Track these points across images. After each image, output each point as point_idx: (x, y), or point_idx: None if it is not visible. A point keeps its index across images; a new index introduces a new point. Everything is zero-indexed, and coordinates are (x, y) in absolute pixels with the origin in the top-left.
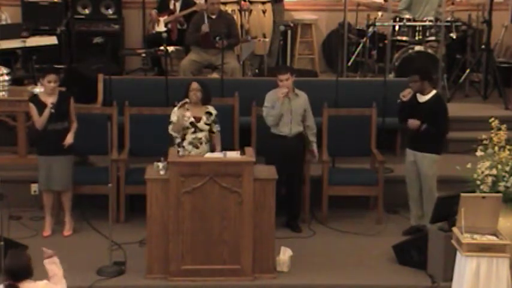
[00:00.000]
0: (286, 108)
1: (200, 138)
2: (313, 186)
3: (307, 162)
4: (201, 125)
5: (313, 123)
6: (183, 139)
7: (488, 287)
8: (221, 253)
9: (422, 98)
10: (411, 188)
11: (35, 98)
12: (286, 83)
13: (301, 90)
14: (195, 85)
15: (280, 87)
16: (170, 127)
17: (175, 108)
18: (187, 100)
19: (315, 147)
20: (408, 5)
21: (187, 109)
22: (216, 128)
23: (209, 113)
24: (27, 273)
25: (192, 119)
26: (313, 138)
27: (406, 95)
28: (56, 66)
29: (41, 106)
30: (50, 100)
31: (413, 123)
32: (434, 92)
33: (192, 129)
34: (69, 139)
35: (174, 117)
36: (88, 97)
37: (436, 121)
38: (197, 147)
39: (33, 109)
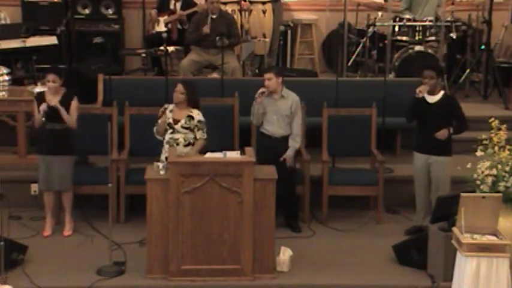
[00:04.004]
0: (271, 108)
1: (177, 139)
2: (313, 186)
3: (305, 162)
4: (177, 127)
5: (298, 129)
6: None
7: (488, 287)
8: (221, 253)
9: (433, 99)
10: (421, 191)
11: (40, 96)
12: (268, 83)
13: (292, 92)
14: (178, 87)
15: (265, 86)
16: (154, 129)
17: (160, 111)
18: (167, 105)
19: (289, 154)
20: (409, 5)
21: (171, 110)
22: (200, 135)
23: (191, 117)
24: None
25: (170, 120)
26: (292, 143)
27: (422, 90)
28: (57, 66)
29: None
30: (54, 99)
31: (442, 134)
32: (442, 91)
33: (170, 130)
34: (56, 104)
35: (159, 120)
36: (88, 97)
37: (455, 119)
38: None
39: (35, 107)
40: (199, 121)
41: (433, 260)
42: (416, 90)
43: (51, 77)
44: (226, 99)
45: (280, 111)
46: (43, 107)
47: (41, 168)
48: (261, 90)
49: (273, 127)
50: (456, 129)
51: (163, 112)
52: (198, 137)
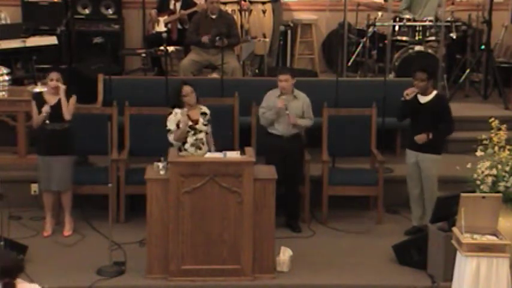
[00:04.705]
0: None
1: (201, 139)
2: (313, 186)
3: (305, 162)
4: (199, 126)
5: (310, 119)
6: (184, 142)
7: (488, 287)
8: (221, 253)
9: (424, 99)
10: (413, 189)
11: (38, 96)
12: (285, 84)
13: (301, 92)
14: (188, 88)
15: (279, 87)
16: (171, 136)
17: (172, 116)
18: (178, 110)
19: (295, 119)
20: (408, 5)
21: (185, 114)
22: (209, 129)
23: (204, 114)
24: (19, 269)
25: (190, 122)
26: (302, 119)
27: (409, 93)
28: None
29: (42, 105)
30: (53, 100)
31: (421, 138)
32: (435, 92)
33: (192, 132)
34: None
35: (172, 126)
36: (88, 97)
37: (443, 120)
38: (200, 148)
39: (33, 107)
40: (210, 114)
41: (433, 260)
42: (404, 93)
43: (54, 75)
44: (226, 99)
45: (291, 112)
46: (46, 108)
47: (40, 169)
48: (281, 101)
49: (284, 127)
50: (442, 131)
51: (189, 118)
52: (208, 131)
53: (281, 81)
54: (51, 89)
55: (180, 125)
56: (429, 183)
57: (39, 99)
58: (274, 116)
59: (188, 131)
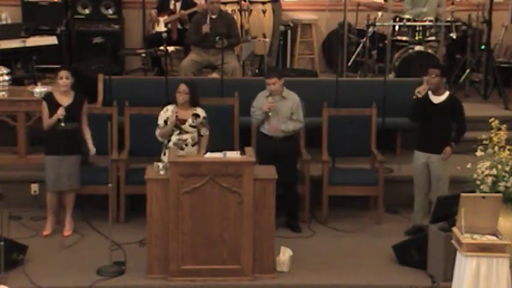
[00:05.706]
0: (273, 109)
1: (185, 140)
2: (313, 186)
3: (305, 162)
4: (185, 127)
5: (300, 122)
6: (169, 140)
7: (488, 287)
8: (221, 253)
9: (437, 99)
10: (421, 190)
11: (49, 97)
12: (273, 87)
13: (293, 92)
14: (182, 87)
15: (268, 89)
16: (157, 131)
17: (162, 112)
18: (170, 107)
19: (279, 126)
20: (411, 5)
21: (175, 111)
22: (204, 131)
23: (196, 115)
24: None
25: (175, 121)
26: (290, 122)
27: (421, 91)
28: (57, 66)
29: (54, 106)
30: (64, 101)
31: (448, 152)
32: (447, 92)
33: (177, 131)
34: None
35: (160, 121)
36: (88, 97)
37: (456, 121)
38: (182, 149)
39: (45, 108)
40: (204, 117)
41: (433, 260)
42: (415, 91)
43: (64, 73)
44: (226, 99)
45: (281, 112)
46: (61, 111)
47: (49, 170)
48: (266, 105)
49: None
50: (457, 135)
51: (176, 114)
52: (202, 133)
53: (269, 84)
54: (60, 87)
55: (168, 122)
56: (441, 184)
57: (50, 100)
58: (262, 116)
59: (174, 130)
